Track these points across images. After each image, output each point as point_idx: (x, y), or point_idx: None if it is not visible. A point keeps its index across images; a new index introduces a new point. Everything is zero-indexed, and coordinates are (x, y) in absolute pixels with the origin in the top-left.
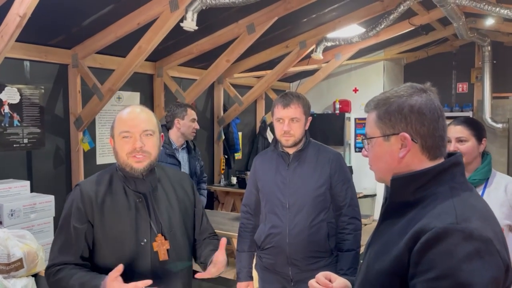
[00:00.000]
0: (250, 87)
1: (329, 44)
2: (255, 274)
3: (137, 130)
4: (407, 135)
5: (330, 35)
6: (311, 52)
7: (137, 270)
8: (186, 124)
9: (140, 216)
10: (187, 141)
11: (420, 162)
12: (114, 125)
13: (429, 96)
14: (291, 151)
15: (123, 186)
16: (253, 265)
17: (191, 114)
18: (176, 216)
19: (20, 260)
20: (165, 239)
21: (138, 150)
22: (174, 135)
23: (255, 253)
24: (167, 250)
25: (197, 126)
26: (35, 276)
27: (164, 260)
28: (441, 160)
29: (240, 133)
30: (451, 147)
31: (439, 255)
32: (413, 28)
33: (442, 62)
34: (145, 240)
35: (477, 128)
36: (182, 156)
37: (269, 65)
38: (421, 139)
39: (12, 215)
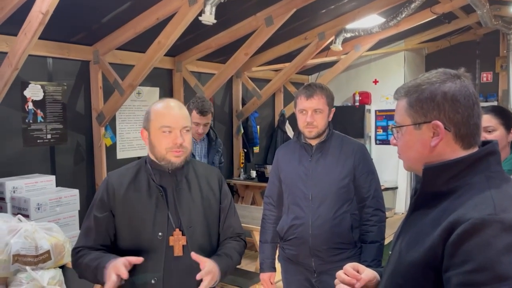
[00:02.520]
0: (268, 81)
1: (348, 35)
2: (278, 265)
3: (178, 126)
4: (439, 123)
5: (349, 26)
6: (330, 43)
7: (151, 263)
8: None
9: (159, 209)
10: (208, 131)
11: (453, 151)
12: (151, 117)
13: (463, 82)
14: (314, 142)
15: (148, 179)
16: (276, 256)
17: (195, 117)
18: (198, 212)
19: (48, 252)
20: (183, 234)
21: (178, 145)
22: None
23: (278, 244)
24: (183, 246)
25: (201, 130)
26: (62, 267)
27: (178, 256)
28: (476, 149)
29: (258, 127)
30: None
31: (476, 246)
32: (435, 16)
33: (465, 51)
34: (161, 234)
35: (505, 117)
36: (201, 148)
37: (288, 57)
38: (455, 127)
39: (38, 208)
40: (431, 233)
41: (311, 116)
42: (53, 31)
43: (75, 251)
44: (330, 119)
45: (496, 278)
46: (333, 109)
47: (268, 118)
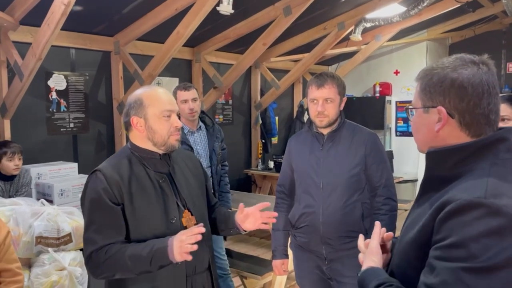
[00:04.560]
0: (287, 71)
1: (368, 25)
2: (290, 252)
3: (175, 110)
4: (443, 109)
5: (369, 15)
6: (350, 33)
7: None
8: (180, 107)
9: (167, 195)
10: (202, 119)
11: (458, 138)
12: (146, 103)
13: (477, 70)
14: (325, 131)
15: (144, 168)
16: (288, 243)
17: (181, 95)
18: (195, 191)
19: (69, 234)
20: (192, 214)
21: (178, 128)
22: (182, 119)
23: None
24: (195, 224)
25: (191, 106)
26: (83, 250)
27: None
28: None
29: (277, 118)
30: None
31: (458, 225)
32: (458, 5)
33: (490, 41)
34: (175, 218)
35: None
36: (200, 136)
37: (307, 48)
38: (459, 115)
39: (62, 194)
40: (427, 213)
41: (322, 106)
42: (75, 22)
43: (102, 252)
44: (341, 108)
45: (469, 257)
46: (345, 98)
47: (287, 109)
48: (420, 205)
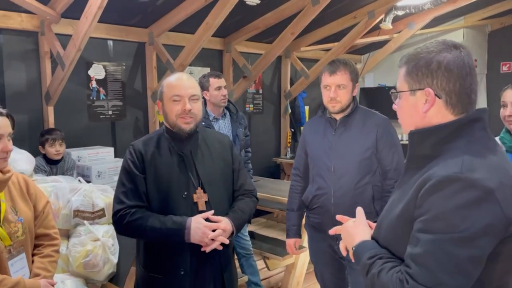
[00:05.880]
0: (317, 60)
1: (399, 13)
2: (304, 232)
3: (186, 94)
4: (431, 90)
5: (400, 3)
6: (380, 22)
7: None
8: (213, 94)
9: (182, 172)
10: (227, 107)
11: (444, 117)
12: (164, 90)
13: (459, 53)
14: (338, 117)
15: (169, 146)
16: (303, 224)
17: (214, 82)
18: (216, 172)
19: (102, 209)
20: (204, 192)
21: (187, 112)
22: (209, 106)
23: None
24: (205, 202)
25: (225, 92)
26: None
27: (202, 210)
28: None
29: (306, 107)
30: (506, 111)
31: (438, 199)
32: None
33: None
34: (186, 193)
35: None
36: (224, 123)
37: (338, 37)
38: (446, 95)
39: (99, 176)
40: (410, 191)
41: (334, 92)
42: (112, 15)
43: (128, 211)
44: (354, 94)
45: (449, 227)
46: (358, 84)
47: (317, 99)
48: (404, 183)
